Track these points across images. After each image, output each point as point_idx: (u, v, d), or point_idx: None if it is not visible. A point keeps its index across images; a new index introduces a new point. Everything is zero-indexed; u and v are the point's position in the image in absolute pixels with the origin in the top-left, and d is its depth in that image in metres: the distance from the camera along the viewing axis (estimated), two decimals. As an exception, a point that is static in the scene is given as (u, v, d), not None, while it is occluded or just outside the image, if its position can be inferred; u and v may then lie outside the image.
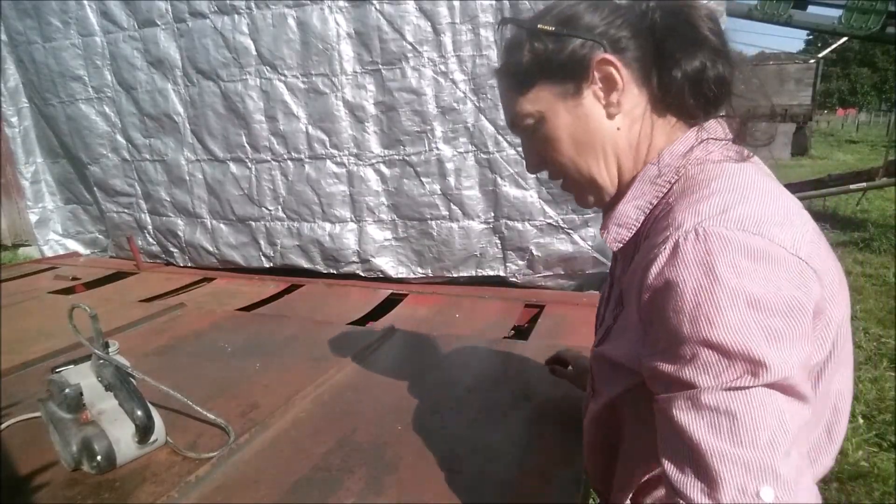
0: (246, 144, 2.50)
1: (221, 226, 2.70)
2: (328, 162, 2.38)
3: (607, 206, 0.72)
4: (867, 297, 3.98)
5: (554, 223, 2.13)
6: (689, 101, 0.65)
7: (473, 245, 2.27)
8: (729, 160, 0.63)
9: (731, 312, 0.50)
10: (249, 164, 2.53)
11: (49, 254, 3.19)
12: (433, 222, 2.30)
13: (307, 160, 2.41)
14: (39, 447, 1.07)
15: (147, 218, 2.88)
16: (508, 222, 2.19)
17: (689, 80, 0.64)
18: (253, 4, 2.29)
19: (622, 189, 0.69)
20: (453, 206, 2.25)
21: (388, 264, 2.42)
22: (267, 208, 2.56)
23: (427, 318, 1.97)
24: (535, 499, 0.91)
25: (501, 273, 2.28)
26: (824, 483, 2.01)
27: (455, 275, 2.33)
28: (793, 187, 6.04)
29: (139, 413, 0.99)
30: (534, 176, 2.05)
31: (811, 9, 6.97)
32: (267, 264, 2.64)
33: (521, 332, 1.84)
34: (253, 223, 2.62)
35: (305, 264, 2.55)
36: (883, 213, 6.41)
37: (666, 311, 0.54)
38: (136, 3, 2.50)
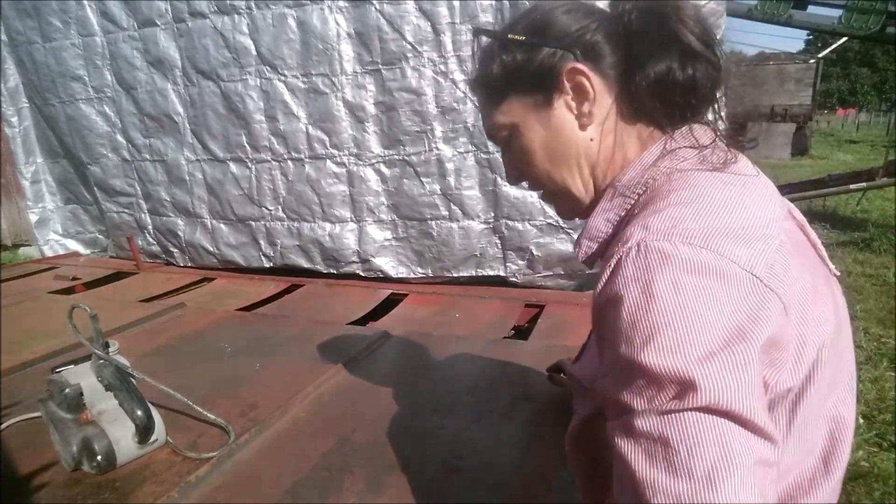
0: (246, 144, 2.50)
1: (221, 226, 2.70)
2: (328, 162, 2.38)
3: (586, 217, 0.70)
4: (867, 297, 3.98)
5: (554, 223, 2.13)
6: (656, 107, 0.62)
7: (473, 245, 2.27)
8: (698, 169, 0.59)
9: (666, 331, 0.46)
10: (249, 164, 2.53)
11: (49, 254, 3.19)
12: (433, 222, 2.30)
13: (307, 160, 2.41)
14: (39, 447, 1.07)
15: (147, 218, 2.88)
16: (508, 222, 2.19)
17: (654, 85, 0.60)
18: (253, 4, 2.29)
19: (597, 201, 0.67)
20: (453, 206, 2.25)
21: (388, 264, 2.42)
22: (267, 208, 2.56)
23: (427, 318, 1.97)
24: (535, 499, 0.91)
25: (501, 273, 2.28)
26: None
27: (455, 275, 2.33)
28: (793, 187, 6.05)
29: (139, 413, 0.99)
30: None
31: (811, 9, 6.97)
32: (267, 264, 2.64)
33: (521, 332, 1.84)
34: (253, 223, 2.62)
35: (305, 264, 2.55)
36: (883, 213, 6.41)
37: (607, 331, 0.51)
38: (136, 3, 2.50)
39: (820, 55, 17.56)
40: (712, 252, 0.49)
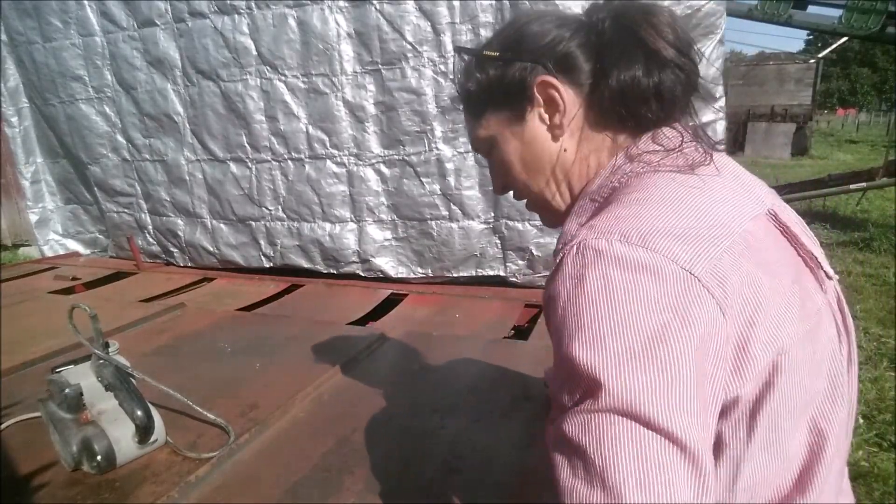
0: (246, 144, 2.50)
1: (221, 226, 2.70)
2: (328, 162, 2.38)
3: None
4: (867, 297, 3.98)
5: (554, 223, 2.13)
6: (623, 114, 0.62)
7: (473, 245, 2.27)
8: (658, 171, 0.59)
9: (591, 327, 0.47)
10: (249, 164, 2.53)
11: (49, 254, 3.19)
12: (433, 222, 2.30)
13: (307, 160, 2.41)
14: (39, 447, 1.07)
15: (147, 218, 2.88)
16: (508, 222, 2.19)
17: (620, 92, 0.61)
18: (253, 4, 2.29)
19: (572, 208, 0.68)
20: (453, 206, 2.25)
21: (388, 264, 2.42)
22: (267, 208, 2.56)
23: (427, 318, 1.97)
24: (535, 499, 0.91)
25: (501, 273, 2.28)
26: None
27: (455, 275, 2.33)
28: (793, 187, 6.05)
29: (139, 413, 0.99)
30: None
31: (811, 9, 6.98)
32: (267, 264, 2.64)
33: (521, 332, 1.84)
34: (253, 223, 2.62)
35: (305, 264, 2.55)
36: (883, 213, 6.40)
37: (551, 327, 0.52)
38: (136, 3, 2.50)
39: (820, 55, 17.57)
40: (649, 250, 0.49)
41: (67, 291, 2.46)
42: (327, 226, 2.46)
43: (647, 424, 0.43)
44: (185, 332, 1.79)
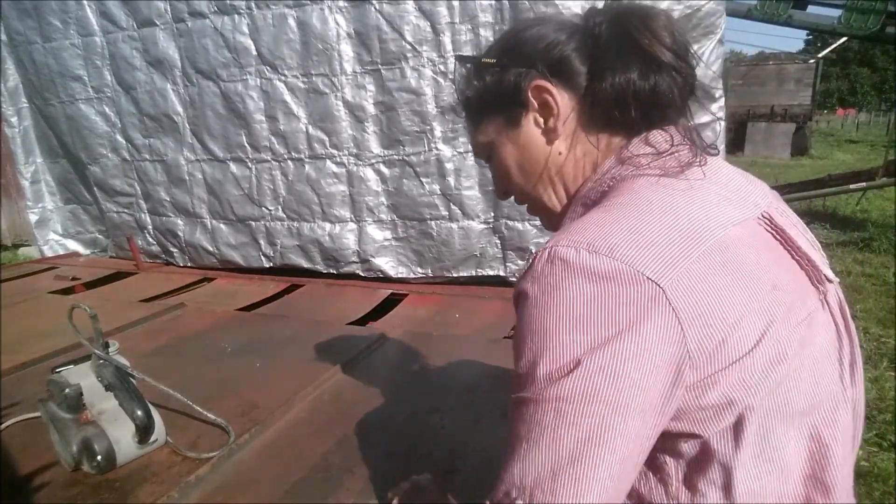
0: (246, 144, 2.50)
1: (221, 226, 2.70)
2: (328, 162, 2.38)
3: None
4: (867, 297, 3.98)
5: (554, 223, 2.13)
6: (618, 117, 0.62)
7: (473, 245, 2.27)
8: (644, 174, 0.59)
9: (549, 332, 0.50)
10: (249, 164, 2.53)
11: (49, 254, 3.19)
12: (433, 222, 2.30)
13: (307, 160, 2.41)
14: (39, 447, 1.07)
15: (147, 218, 2.88)
16: (508, 222, 2.19)
17: (615, 96, 0.61)
18: (253, 4, 2.29)
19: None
20: (453, 206, 2.25)
21: (387, 264, 2.42)
22: (267, 208, 2.56)
23: (427, 318, 1.97)
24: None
25: (501, 273, 2.28)
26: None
27: (455, 275, 2.33)
28: (793, 187, 6.05)
29: (139, 413, 0.99)
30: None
31: (811, 9, 6.97)
32: (267, 264, 2.64)
33: (521, 332, 1.84)
34: (253, 223, 2.62)
35: (305, 264, 2.55)
36: (883, 213, 6.40)
37: (517, 322, 0.56)
38: (136, 3, 2.50)
39: (820, 55, 17.56)
40: (615, 259, 0.50)
41: (67, 291, 2.46)
42: (327, 226, 2.46)
43: (579, 426, 0.48)
44: (185, 332, 1.79)
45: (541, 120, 0.66)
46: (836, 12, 6.66)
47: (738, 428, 0.51)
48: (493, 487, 0.52)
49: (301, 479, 0.98)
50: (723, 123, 1.87)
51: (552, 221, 0.72)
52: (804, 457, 0.54)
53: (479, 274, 2.31)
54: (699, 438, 0.52)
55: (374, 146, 2.30)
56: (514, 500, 0.49)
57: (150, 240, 2.91)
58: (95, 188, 2.95)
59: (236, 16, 2.33)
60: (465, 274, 2.32)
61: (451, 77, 2.09)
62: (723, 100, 1.88)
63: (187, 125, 2.61)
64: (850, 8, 6.39)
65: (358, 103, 2.26)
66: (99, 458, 0.98)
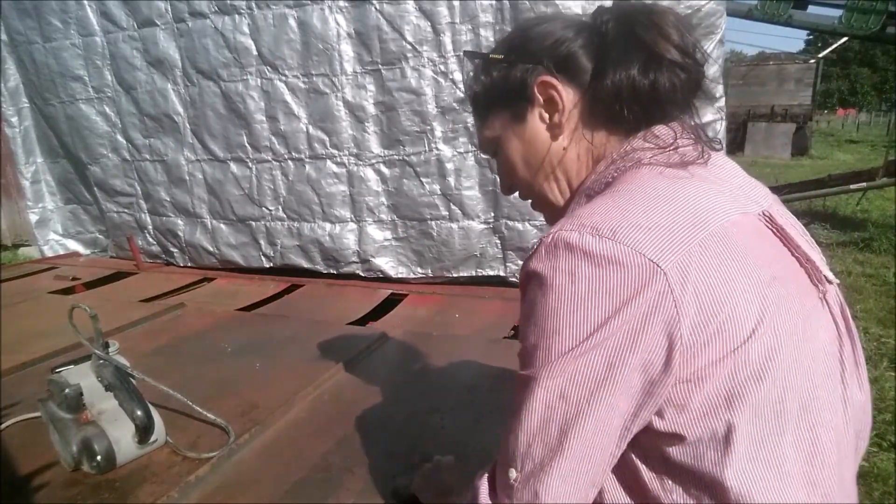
0: (246, 144, 2.50)
1: (221, 226, 2.70)
2: (328, 162, 2.38)
3: None
4: (867, 297, 3.98)
5: (554, 223, 2.13)
6: (619, 112, 0.63)
7: (473, 245, 2.27)
8: (648, 164, 0.60)
9: (553, 316, 0.52)
10: (250, 164, 2.53)
11: (49, 254, 3.19)
12: (433, 222, 2.30)
13: (307, 160, 2.41)
14: (39, 447, 1.07)
15: (147, 218, 2.88)
16: (508, 222, 2.19)
17: (616, 91, 0.62)
18: (253, 4, 2.29)
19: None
20: (453, 206, 2.25)
21: (387, 264, 2.42)
22: (267, 208, 2.56)
23: (427, 318, 1.97)
24: (535, 499, 0.91)
25: (501, 273, 2.28)
26: None
27: (455, 275, 2.33)
28: (793, 187, 6.04)
29: (139, 413, 0.99)
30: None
31: (811, 9, 6.96)
32: (267, 264, 2.64)
33: (521, 332, 1.84)
34: (253, 223, 2.62)
35: (305, 264, 2.55)
36: (883, 213, 6.40)
37: (522, 305, 0.58)
38: (136, 3, 2.50)
39: (820, 55, 17.55)
40: (618, 243, 0.51)
41: (67, 291, 2.46)
42: (327, 226, 2.46)
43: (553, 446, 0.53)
44: (185, 332, 1.79)
45: (546, 115, 0.67)
46: (837, 12, 6.66)
47: (729, 428, 0.50)
48: (498, 462, 0.59)
49: (301, 479, 0.98)
50: (723, 123, 1.87)
51: (555, 216, 0.72)
52: (801, 455, 0.53)
53: (479, 274, 2.31)
54: (689, 438, 0.51)
55: (375, 146, 2.30)
56: (510, 469, 0.55)
57: (151, 240, 2.91)
58: (96, 188, 2.96)
59: (237, 16, 2.33)
60: (465, 274, 2.32)
61: (451, 77, 2.10)
62: (723, 100, 1.88)
63: (188, 125, 2.61)
64: (851, 8, 6.38)
65: (358, 103, 2.26)
66: (99, 458, 0.98)
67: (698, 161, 0.60)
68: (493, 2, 1.98)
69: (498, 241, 2.25)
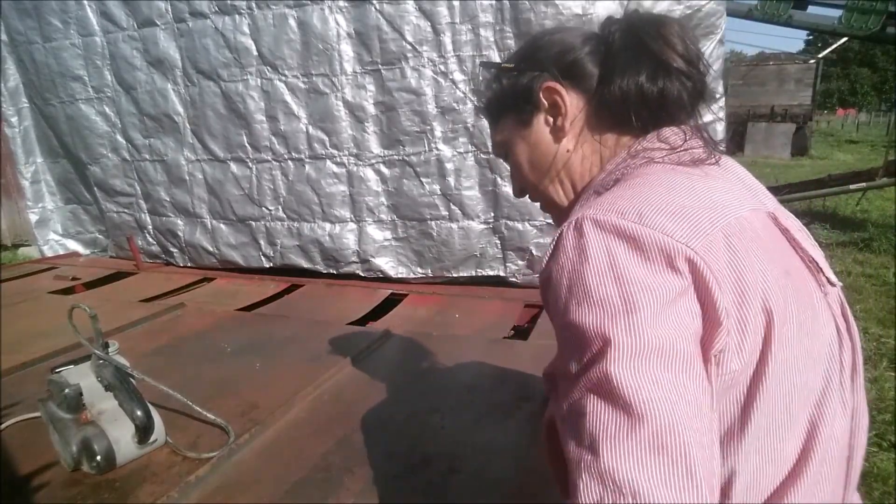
0: (246, 144, 2.50)
1: (221, 226, 2.70)
2: (328, 162, 2.38)
3: None
4: (867, 297, 3.98)
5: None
6: (627, 117, 0.65)
7: (473, 245, 2.27)
8: (661, 161, 0.61)
9: (598, 290, 0.48)
10: (250, 164, 2.53)
11: (49, 254, 3.19)
12: (433, 222, 2.30)
13: (307, 160, 2.41)
14: (39, 447, 1.07)
15: (147, 218, 2.88)
16: (508, 222, 2.19)
17: (624, 97, 0.64)
18: (254, 4, 2.29)
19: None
20: (453, 207, 2.25)
21: (387, 264, 2.42)
22: (267, 208, 2.56)
23: (427, 318, 1.97)
24: (535, 499, 0.91)
25: (501, 273, 2.28)
26: None
27: (455, 275, 2.33)
28: (793, 187, 6.04)
29: (139, 413, 0.99)
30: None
31: (811, 9, 6.96)
32: (267, 264, 2.64)
33: (521, 332, 1.84)
34: (253, 223, 2.62)
35: (305, 264, 2.55)
36: (883, 213, 6.40)
37: (550, 304, 0.54)
38: (136, 3, 2.50)
39: (820, 55, 17.55)
40: (644, 226, 0.50)
41: (67, 291, 2.46)
42: (327, 226, 2.46)
43: (656, 382, 0.44)
44: (185, 332, 1.79)
45: (550, 119, 0.70)
46: (837, 12, 6.66)
47: (742, 413, 0.51)
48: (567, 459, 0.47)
49: (301, 479, 0.98)
50: (723, 123, 1.87)
51: (561, 217, 0.74)
52: (798, 450, 0.53)
53: (479, 274, 2.31)
54: None
55: (375, 146, 2.30)
56: (588, 463, 0.43)
57: (150, 240, 2.91)
58: (95, 188, 2.96)
59: (237, 16, 2.33)
60: (465, 274, 2.32)
61: (451, 77, 2.10)
62: (723, 100, 1.88)
63: (188, 125, 2.61)
64: (851, 8, 6.38)
65: (358, 103, 2.26)
66: (99, 458, 0.98)
67: (708, 161, 0.61)
68: (493, 2, 1.98)
69: (498, 242, 2.25)
